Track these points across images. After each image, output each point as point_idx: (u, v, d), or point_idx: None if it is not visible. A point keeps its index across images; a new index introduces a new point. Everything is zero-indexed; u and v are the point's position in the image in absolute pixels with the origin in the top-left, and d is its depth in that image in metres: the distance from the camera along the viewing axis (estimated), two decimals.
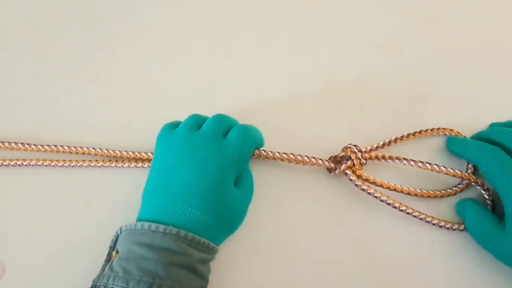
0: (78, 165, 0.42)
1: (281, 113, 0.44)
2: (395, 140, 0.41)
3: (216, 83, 0.45)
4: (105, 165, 0.42)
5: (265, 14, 0.49)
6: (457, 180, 0.41)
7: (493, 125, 0.42)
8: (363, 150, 0.40)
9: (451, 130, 0.42)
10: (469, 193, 0.40)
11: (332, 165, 0.40)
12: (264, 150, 0.40)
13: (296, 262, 0.39)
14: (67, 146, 0.42)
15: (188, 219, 0.34)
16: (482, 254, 0.38)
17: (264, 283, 0.38)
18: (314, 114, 0.44)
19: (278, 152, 0.40)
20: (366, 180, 0.39)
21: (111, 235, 0.36)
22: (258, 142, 0.39)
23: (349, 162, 0.39)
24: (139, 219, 0.36)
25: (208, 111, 0.42)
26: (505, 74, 0.45)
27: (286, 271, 0.39)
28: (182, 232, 0.33)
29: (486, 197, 0.39)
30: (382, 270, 0.38)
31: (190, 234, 0.33)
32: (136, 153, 0.41)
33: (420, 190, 0.39)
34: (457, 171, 0.39)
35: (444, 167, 0.39)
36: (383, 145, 0.41)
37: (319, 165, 0.40)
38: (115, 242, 0.35)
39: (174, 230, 0.33)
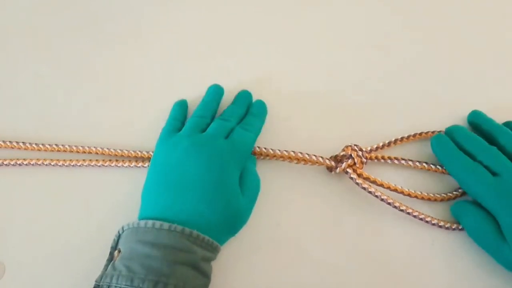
0: (79, 164, 0.42)
1: (281, 113, 0.44)
2: (395, 141, 0.41)
3: (216, 83, 0.45)
4: (105, 165, 0.42)
5: (265, 14, 0.49)
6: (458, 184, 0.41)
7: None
8: (364, 149, 0.40)
9: None
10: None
11: (333, 163, 0.40)
12: (264, 148, 0.41)
13: (296, 262, 0.39)
14: (68, 145, 0.42)
15: (192, 217, 0.34)
16: (482, 255, 0.38)
17: (264, 283, 0.38)
18: (314, 114, 0.44)
19: (279, 150, 0.40)
20: (367, 179, 0.39)
21: (111, 235, 0.36)
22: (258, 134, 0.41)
23: (350, 161, 0.39)
24: (141, 217, 0.36)
25: None
26: (505, 74, 0.45)
27: (287, 271, 0.39)
28: (187, 230, 0.33)
29: None
30: (382, 270, 0.38)
31: (195, 232, 0.33)
32: (138, 152, 0.42)
33: (421, 192, 0.39)
34: None
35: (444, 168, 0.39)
36: (383, 146, 0.41)
37: (320, 163, 0.40)
38: (117, 241, 0.35)
39: (179, 227, 0.33)
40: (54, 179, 0.42)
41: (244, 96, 0.43)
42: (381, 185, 0.39)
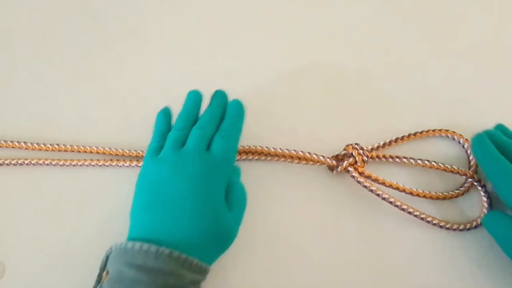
0: (79, 164, 0.42)
1: (281, 113, 0.44)
2: (396, 140, 0.42)
3: (216, 83, 0.45)
4: (106, 164, 0.42)
5: (265, 14, 0.50)
6: (460, 183, 0.41)
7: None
8: (365, 148, 0.40)
9: (453, 132, 0.42)
10: (472, 195, 0.41)
11: (334, 162, 0.40)
12: (265, 147, 0.41)
13: (296, 262, 0.39)
14: (68, 145, 0.42)
15: (180, 237, 0.33)
16: (482, 255, 0.38)
17: (264, 283, 0.38)
18: (314, 115, 0.44)
19: (280, 149, 0.40)
20: (368, 177, 0.39)
21: (111, 235, 0.36)
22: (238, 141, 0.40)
23: (351, 159, 0.39)
24: (130, 238, 0.35)
25: None
26: (505, 74, 0.45)
27: (286, 271, 0.39)
28: (175, 253, 0.32)
29: (484, 199, 0.39)
30: (382, 269, 0.38)
31: (183, 256, 0.32)
32: (139, 151, 0.42)
33: (422, 190, 0.40)
34: (460, 168, 0.39)
35: (447, 165, 0.39)
36: (384, 145, 0.41)
37: (321, 162, 0.40)
38: (105, 262, 0.34)
39: (167, 251, 0.32)
40: (54, 179, 0.42)
41: (219, 97, 0.41)
42: (383, 184, 0.39)
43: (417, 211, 0.39)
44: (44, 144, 0.43)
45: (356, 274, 0.38)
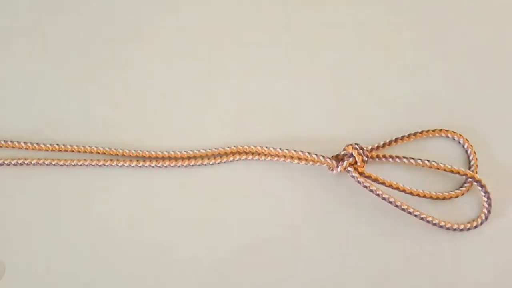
0: (79, 164, 0.42)
1: (281, 114, 0.44)
2: (396, 140, 0.42)
3: (216, 83, 0.45)
4: (106, 164, 0.42)
5: (266, 14, 0.49)
6: (460, 183, 0.41)
7: None
8: (365, 148, 0.40)
9: (453, 132, 0.42)
10: (472, 195, 0.40)
11: (334, 162, 0.40)
12: (265, 147, 0.41)
13: (296, 262, 0.39)
14: (68, 145, 0.42)
15: None
16: (482, 255, 0.38)
17: (264, 283, 0.38)
18: (314, 115, 0.44)
19: (280, 149, 0.40)
20: (368, 177, 0.39)
21: (111, 235, 0.36)
22: None
23: (351, 159, 0.39)
24: None
25: (208, 111, 0.42)
26: (505, 74, 0.45)
27: (286, 271, 0.39)
28: None
29: (484, 199, 0.39)
30: (381, 269, 0.38)
31: None
32: (139, 151, 0.42)
33: (423, 190, 0.40)
34: (460, 168, 0.39)
35: (447, 165, 0.39)
36: (384, 145, 0.41)
37: (321, 162, 0.40)
38: None
39: None
40: (54, 179, 0.42)
41: None
42: (383, 184, 0.39)
43: (417, 211, 0.39)
44: (44, 144, 0.43)
45: (356, 274, 0.38)
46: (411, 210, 0.38)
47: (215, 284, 0.38)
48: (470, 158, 0.41)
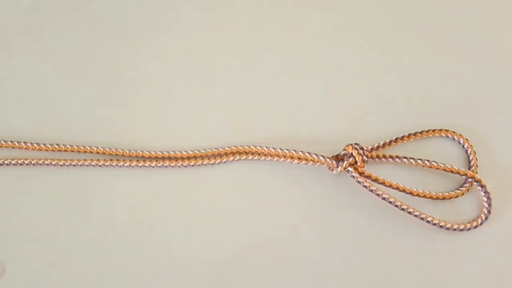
0: (79, 164, 0.42)
1: (281, 114, 0.44)
2: (396, 140, 0.42)
3: (216, 83, 0.45)
4: (106, 164, 0.42)
5: (266, 15, 0.49)
6: (460, 183, 0.41)
7: None
8: (365, 148, 0.40)
9: (453, 132, 0.42)
10: (472, 195, 0.40)
11: (334, 162, 0.40)
12: (265, 147, 0.41)
13: (296, 262, 0.39)
14: (68, 145, 0.42)
15: None
16: (482, 255, 0.38)
17: (264, 283, 0.38)
18: (314, 115, 0.44)
19: (280, 149, 0.40)
20: (368, 177, 0.39)
21: (111, 235, 0.36)
22: None
23: (351, 159, 0.39)
24: None
25: (207, 111, 0.42)
26: (505, 74, 0.45)
27: (286, 271, 0.39)
28: None
29: (484, 199, 0.39)
30: (381, 269, 0.38)
31: None
32: (139, 151, 0.42)
33: (423, 190, 0.40)
34: (460, 168, 0.39)
35: (447, 165, 0.39)
36: (384, 145, 0.41)
37: (321, 162, 0.40)
38: None
39: None
40: (54, 179, 0.42)
41: None
42: (383, 184, 0.39)
43: (417, 211, 0.39)
44: (44, 144, 0.43)
45: (356, 274, 0.38)
46: (411, 210, 0.38)
47: (215, 284, 0.38)
48: (470, 158, 0.41)
